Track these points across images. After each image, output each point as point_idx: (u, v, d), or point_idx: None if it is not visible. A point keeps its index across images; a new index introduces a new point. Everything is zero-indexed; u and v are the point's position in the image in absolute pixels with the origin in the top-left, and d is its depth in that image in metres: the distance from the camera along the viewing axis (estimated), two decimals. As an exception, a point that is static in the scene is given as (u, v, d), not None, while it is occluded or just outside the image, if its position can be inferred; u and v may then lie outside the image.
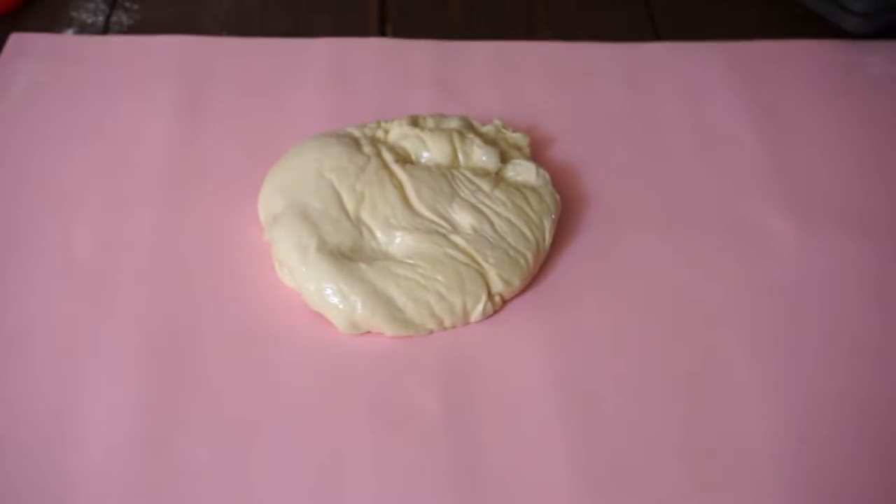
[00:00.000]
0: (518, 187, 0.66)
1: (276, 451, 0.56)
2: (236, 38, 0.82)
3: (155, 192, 0.69)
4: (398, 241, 0.62)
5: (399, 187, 0.64)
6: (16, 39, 0.80)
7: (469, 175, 0.65)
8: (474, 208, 0.63)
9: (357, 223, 0.62)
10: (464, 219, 0.63)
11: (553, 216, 0.65)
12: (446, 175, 0.65)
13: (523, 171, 0.67)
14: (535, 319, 0.63)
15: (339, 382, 0.59)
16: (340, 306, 0.60)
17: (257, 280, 0.64)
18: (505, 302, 0.63)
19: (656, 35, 0.85)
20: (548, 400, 0.58)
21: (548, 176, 0.67)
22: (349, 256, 0.61)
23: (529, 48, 0.82)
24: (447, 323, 0.61)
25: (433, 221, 0.63)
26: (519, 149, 0.70)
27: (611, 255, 0.66)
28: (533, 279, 0.64)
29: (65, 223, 0.67)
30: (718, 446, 0.56)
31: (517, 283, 0.63)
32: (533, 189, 0.66)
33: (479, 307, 0.61)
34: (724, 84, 0.79)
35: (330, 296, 0.60)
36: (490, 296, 0.62)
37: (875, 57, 0.82)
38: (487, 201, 0.64)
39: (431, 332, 0.61)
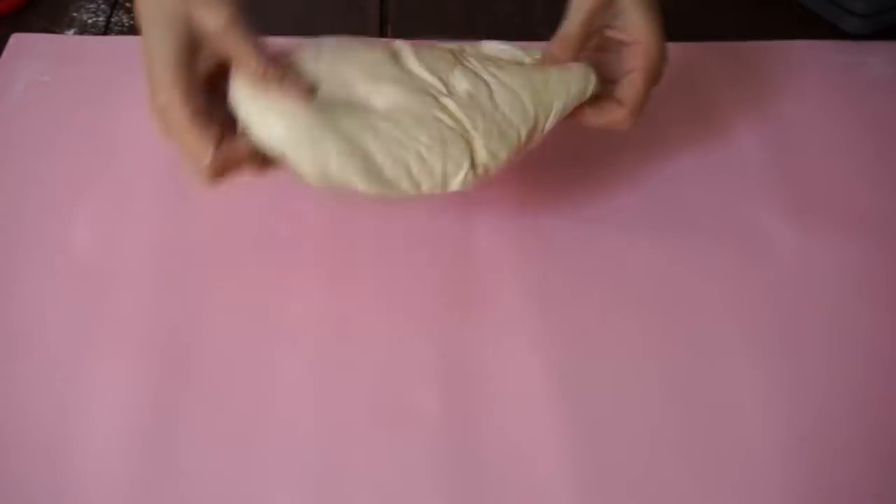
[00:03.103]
0: (544, 69, 0.61)
1: (276, 451, 0.56)
2: (236, 38, 0.82)
3: (155, 192, 0.69)
4: (382, 94, 0.56)
5: (392, 52, 0.59)
6: (17, 40, 0.80)
7: (485, 53, 0.61)
8: (476, 76, 0.59)
9: (335, 72, 0.57)
10: (461, 84, 0.58)
11: (568, 101, 0.60)
12: (454, 51, 0.60)
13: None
14: (535, 319, 0.63)
15: (339, 383, 0.59)
16: (312, 154, 0.54)
17: (259, 280, 0.64)
18: (489, 175, 0.58)
19: (656, 35, 0.85)
20: (547, 400, 0.58)
21: (592, 74, 0.62)
22: (325, 103, 0.55)
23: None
24: (424, 187, 0.56)
25: (425, 80, 0.57)
26: None
27: (610, 254, 0.66)
28: (533, 279, 0.64)
29: (66, 222, 0.67)
30: (717, 446, 0.57)
31: (504, 155, 0.58)
32: (566, 70, 0.61)
33: (460, 175, 0.57)
34: (724, 84, 0.79)
35: (301, 143, 0.54)
36: (473, 165, 0.57)
37: (875, 57, 0.82)
38: (495, 70, 0.59)
39: (406, 195, 0.56)
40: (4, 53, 0.79)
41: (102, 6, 0.86)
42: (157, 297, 0.63)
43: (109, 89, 0.77)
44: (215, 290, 0.63)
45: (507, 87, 0.59)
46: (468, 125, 0.57)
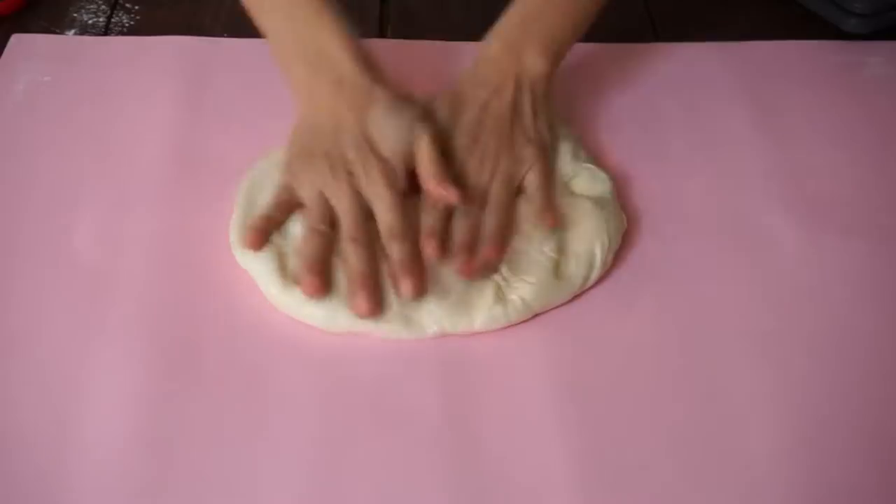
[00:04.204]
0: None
1: (276, 451, 0.56)
2: (236, 38, 0.82)
3: (155, 192, 0.69)
4: None
5: None
6: (17, 40, 0.81)
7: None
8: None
9: None
10: None
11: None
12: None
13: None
14: (537, 322, 0.63)
15: (339, 383, 0.59)
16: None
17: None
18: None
19: (656, 35, 0.85)
20: (547, 400, 0.58)
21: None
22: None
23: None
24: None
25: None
26: None
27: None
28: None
29: (66, 222, 0.67)
30: (718, 446, 0.56)
31: None
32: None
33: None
34: (724, 84, 0.79)
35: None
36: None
37: (875, 57, 0.82)
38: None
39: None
40: (5, 54, 0.79)
41: (102, 7, 0.86)
42: (157, 297, 0.63)
43: (109, 89, 0.77)
44: (215, 289, 0.63)
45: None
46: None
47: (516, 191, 0.66)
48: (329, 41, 0.66)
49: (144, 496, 0.54)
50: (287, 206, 0.65)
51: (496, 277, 0.62)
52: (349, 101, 0.65)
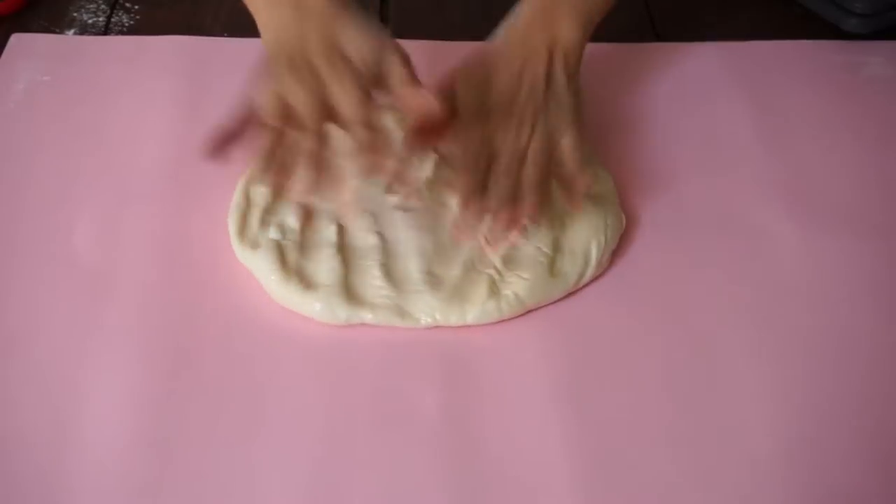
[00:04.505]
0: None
1: (276, 450, 0.56)
2: (236, 38, 0.82)
3: (155, 191, 0.69)
4: None
5: None
6: (17, 40, 0.81)
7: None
8: None
9: None
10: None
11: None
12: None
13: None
14: (534, 317, 0.63)
15: (339, 381, 0.59)
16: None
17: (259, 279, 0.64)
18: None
19: (656, 36, 0.85)
20: (542, 395, 0.58)
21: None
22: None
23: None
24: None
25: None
26: None
27: (610, 253, 0.66)
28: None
29: (66, 222, 0.67)
30: (718, 446, 0.56)
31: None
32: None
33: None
34: (723, 84, 0.79)
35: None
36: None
37: (875, 57, 0.82)
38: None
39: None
40: (5, 53, 0.79)
41: (102, 6, 0.86)
42: (157, 296, 0.63)
43: (109, 89, 0.77)
44: (214, 287, 0.63)
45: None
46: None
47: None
48: None
49: (144, 496, 0.54)
50: (244, 118, 0.61)
51: (490, 271, 0.62)
52: (315, 22, 0.63)
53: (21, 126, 0.74)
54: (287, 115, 0.60)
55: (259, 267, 0.63)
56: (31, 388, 0.58)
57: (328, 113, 0.61)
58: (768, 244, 0.67)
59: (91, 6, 0.86)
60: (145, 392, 0.58)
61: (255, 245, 0.64)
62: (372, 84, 0.62)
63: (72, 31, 0.83)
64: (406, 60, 0.64)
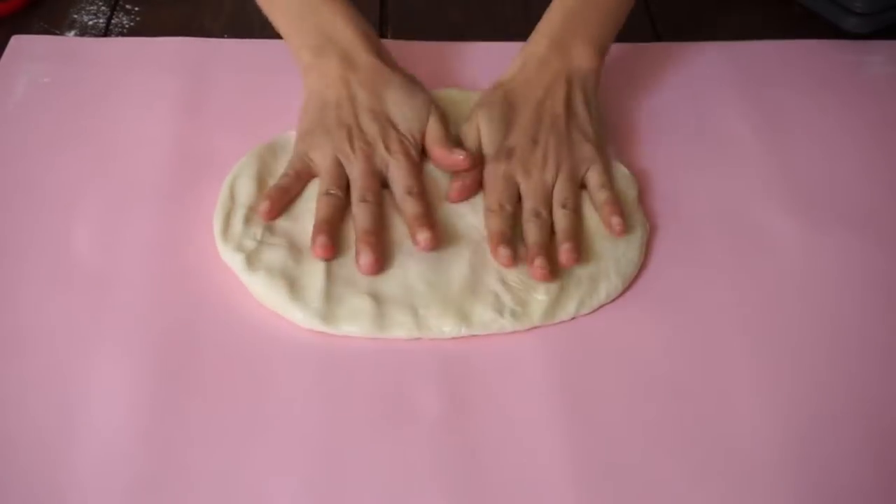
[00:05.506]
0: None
1: (276, 450, 0.55)
2: (236, 39, 0.82)
3: (155, 193, 0.69)
4: None
5: None
6: (17, 41, 0.81)
7: None
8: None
9: None
10: None
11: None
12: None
13: None
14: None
15: (339, 382, 0.59)
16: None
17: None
18: None
19: (656, 35, 0.85)
20: (545, 402, 0.58)
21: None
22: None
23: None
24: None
25: None
26: None
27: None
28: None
29: (65, 223, 0.67)
30: (716, 444, 0.56)
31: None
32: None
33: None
34: (724, 84, 0.79)
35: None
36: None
37: (875, 57, 0.82)
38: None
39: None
40: (5, 55, 0.79)
41: (102, 8, 0.86)
42: (157, 297, 0.63)
43: (109, 90, 0.77)
44: (215, 288, 0.63)
45: None
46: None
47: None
48: (343, 27, 0.70)
49: (144, 495, 0.53)
50: (302, 176, 0.67)
51: (496, 287, 0.62)
52: (361, 79, 0.68)
53: (21, 127, 0.74)
54: (341, 176, 0.66)
55: (238, 269, 0.63)
56: (30, 388, 0.58)
57: (382, 181, 0.66)
58: (769, 243, 0.67)
59: (91, 7, 0.86)
60: (145, 392, 0.58)
61: (238, 247, 0.63)
62: (415, 147, 0.68)
63: (72, 32, 0.84)
64: (443, 118, 0.69)
